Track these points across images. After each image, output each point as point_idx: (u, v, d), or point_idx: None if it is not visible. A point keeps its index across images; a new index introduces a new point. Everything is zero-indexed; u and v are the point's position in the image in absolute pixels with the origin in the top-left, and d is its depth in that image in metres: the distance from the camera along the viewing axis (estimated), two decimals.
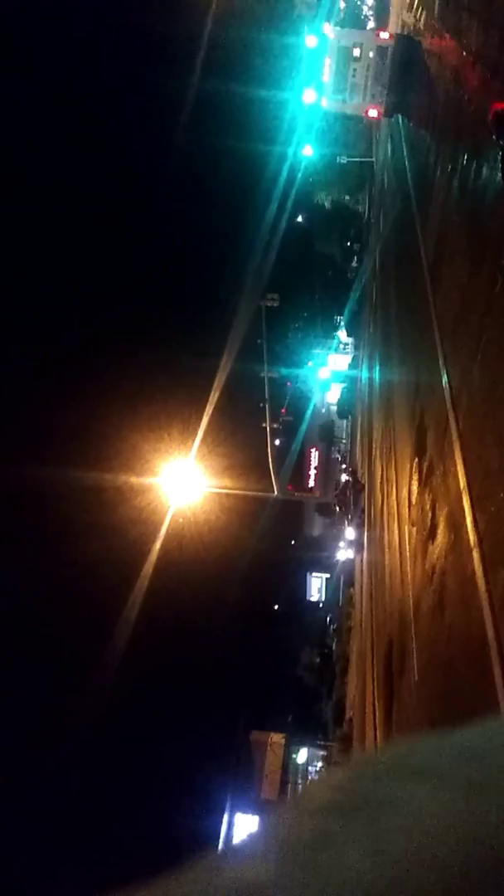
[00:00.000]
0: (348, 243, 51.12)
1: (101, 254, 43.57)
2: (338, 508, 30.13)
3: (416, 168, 18.99)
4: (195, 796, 36.33)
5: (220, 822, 33.86)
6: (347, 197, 52.94)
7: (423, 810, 0.54)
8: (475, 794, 0.56)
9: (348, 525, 28.70)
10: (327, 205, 53.21)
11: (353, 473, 30.13)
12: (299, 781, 37.35)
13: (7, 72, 38.74)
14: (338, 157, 49.74)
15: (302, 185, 49.03)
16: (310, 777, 37.09)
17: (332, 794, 0.58)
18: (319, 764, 36.39)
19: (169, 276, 46.49)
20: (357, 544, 28.52)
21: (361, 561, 27.71)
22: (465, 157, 11.53)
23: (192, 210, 46.22)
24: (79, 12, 43.46)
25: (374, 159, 43.94)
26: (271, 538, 45.80)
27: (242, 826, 32.85)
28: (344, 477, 38.16)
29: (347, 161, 49.78)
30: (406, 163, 21.48)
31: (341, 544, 40.52)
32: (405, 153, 22.29)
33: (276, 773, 36.61)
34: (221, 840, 32.90)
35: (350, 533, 29.02)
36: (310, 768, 37.48)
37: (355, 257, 49.74)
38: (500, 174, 8.44)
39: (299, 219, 53.66)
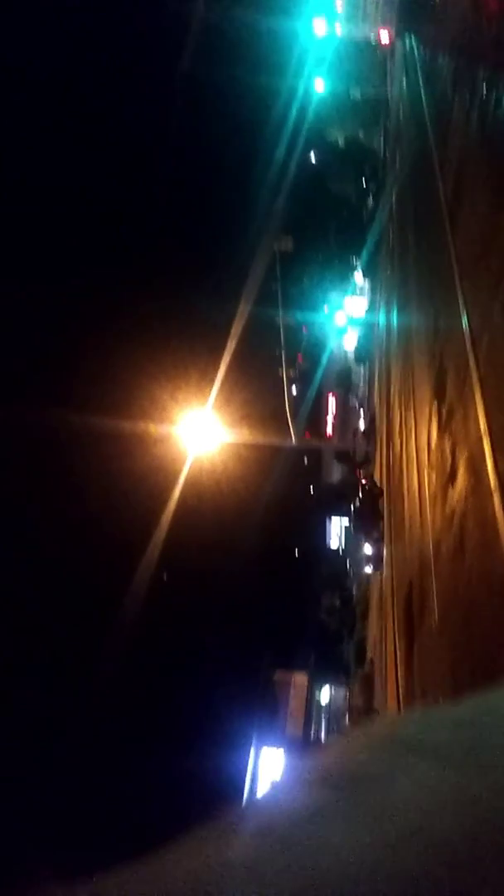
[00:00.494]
0: (363, 182, 49.58)
1: (111, 198, 42.87)
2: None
3: (433, 100, 18.25)
4: (222, 734, 37.66)
5: (248, 757, 35.16)
6: (362, 133, 51.03)
7: (418, 785, 0.52)
8: (473, 769, 0.54)
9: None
10: (340, 142, 51.40)
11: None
12: (322, 718, 38.56)
13: None
14: (350, 92, 47.84)
15: (313, 121, 47.40)
16: (332, 711, 38.28)
17: (324, 768, 0.58)
18: (342, 702, 37.46)
19: (181, 221, 45.71)
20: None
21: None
22: (485, 85, 11.03)
23: (199, 149, 45.08)
24: None
25: (388, 93, 42.24)
26: (290, 486, 46.11)
27: (269, 759, 34.11)
28: (360, 432, 37.93)
29: (361, 95, 47.87)
30: (422, 95, 20.64)
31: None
32: (420, 84, 21.41)
33: (299, 712, 37.78)
34: (249, 773, 34.24)
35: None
36: (332, 706, 38.63)
37: (371, 196, 48.34)
38: None
39: (311, 158, 52.04)
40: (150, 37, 43.74)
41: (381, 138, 46.95)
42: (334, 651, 40.55)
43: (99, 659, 34.89)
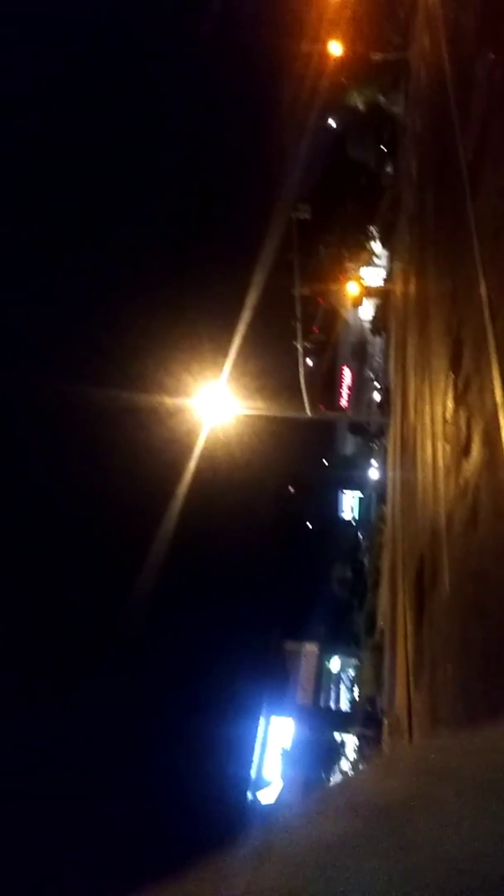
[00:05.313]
0: (383, 147, 48.48)
1: (131, 174, 42.55)
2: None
3: (456, 61, 17.70)
4: (232, 703, 38.24)
5: (257, 725, 35.69)
6: (382, 97, 49.72)
7: (444, 815, 0.52)
8: (498, 798, 0.53)
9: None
10: (360, 106, 50.14)
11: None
12: (332, 686, 38.94)
13: None
14: (371, 54, 46.53)
15: (332, 86, 46.29)
16: (342, 684, 38.61)
17: (353, 795, 0.57)
18: (352, 672, 37.78)
19: (198, 195, 45.17)
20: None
21: (394, 479, 27.38)
22: None
23: (213, 117, 44.36)
24: None
25: (410, 55, 41.05)
26: (304, 458, 46.07)
27: (278, 727, 34.57)
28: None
29: (382, 58, 46.53)
30: (445, 55, 20.03)
31: (374, 463, 40.56)
32: (443, 45, 20.75)
33: (310, 681, 38.20)
34: (259, 741, 34.74)
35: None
36: (342, 675, 38.97)
37: (390, 162, 47.32)
38: None
39: (330, 123, 50.96)
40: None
41: (402, 102, 45.75)
42: (345, 621, 40.83)
43: (115, 627, 35.47)
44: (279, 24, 44.28)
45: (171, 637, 40.03)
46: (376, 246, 46.95)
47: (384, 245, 45.70)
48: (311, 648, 39.52)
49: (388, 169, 47.15)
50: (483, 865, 0.47)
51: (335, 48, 45.42)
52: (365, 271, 47.37)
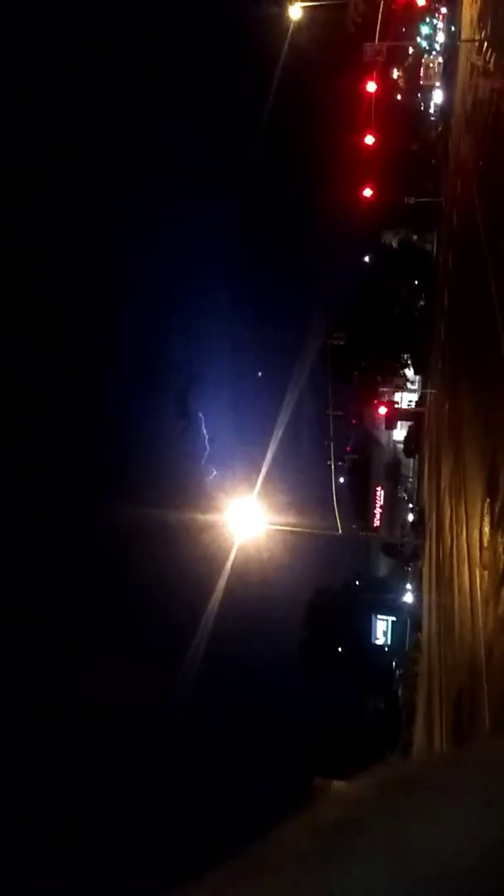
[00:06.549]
0: (416, 282, 50.82)
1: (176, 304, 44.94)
2: None
3: (487, 205, 18.85)
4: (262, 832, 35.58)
5: None
6: (416, 237, 52.79)
7: (446, 826, 0.52)
8: (483, 807, 0.54)
9: None
10: (395, 244, 53.18)
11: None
12: None
13: None
14: (406, 198, 49.87)
15: (368, 226, 49.45)
16: None
17: (347, 809, 0.58)
18: None
19: (240, 309, 47.45)
20: None
21: (429, 604, 26.61)
22: None
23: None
24: None
25: (442, 198, 43.89)
26: (335, 577, 45.18)
27: None
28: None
29: (415, 202, 49.79)
30: (476, 200, 21.36)
31: (408, 586, 39.50)
32: (475, 191, 22.18)
33: None
34: None
35: None
36: None
37: (423, 296, 49.37)
38: None
39: (366, 259, 53.91)
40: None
41: (435, 241, 48.40)
42: (377, 758, 38.32)
43: (146, 748, 34.16)
44: (318, 169, 48.06)
45: (196, 768, 38.04)
46: (409, 371, 48.15)
47: (416, 371, 46.84)
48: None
49: (421, 302, 49.15)
50: (488, 877, 0.47)
51: (370, 192, 48.83)
52: (398, 395, 48.35)
